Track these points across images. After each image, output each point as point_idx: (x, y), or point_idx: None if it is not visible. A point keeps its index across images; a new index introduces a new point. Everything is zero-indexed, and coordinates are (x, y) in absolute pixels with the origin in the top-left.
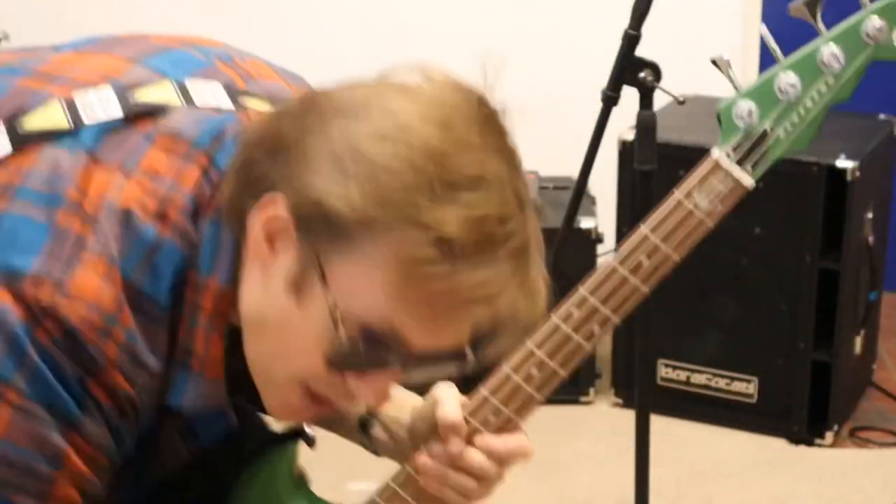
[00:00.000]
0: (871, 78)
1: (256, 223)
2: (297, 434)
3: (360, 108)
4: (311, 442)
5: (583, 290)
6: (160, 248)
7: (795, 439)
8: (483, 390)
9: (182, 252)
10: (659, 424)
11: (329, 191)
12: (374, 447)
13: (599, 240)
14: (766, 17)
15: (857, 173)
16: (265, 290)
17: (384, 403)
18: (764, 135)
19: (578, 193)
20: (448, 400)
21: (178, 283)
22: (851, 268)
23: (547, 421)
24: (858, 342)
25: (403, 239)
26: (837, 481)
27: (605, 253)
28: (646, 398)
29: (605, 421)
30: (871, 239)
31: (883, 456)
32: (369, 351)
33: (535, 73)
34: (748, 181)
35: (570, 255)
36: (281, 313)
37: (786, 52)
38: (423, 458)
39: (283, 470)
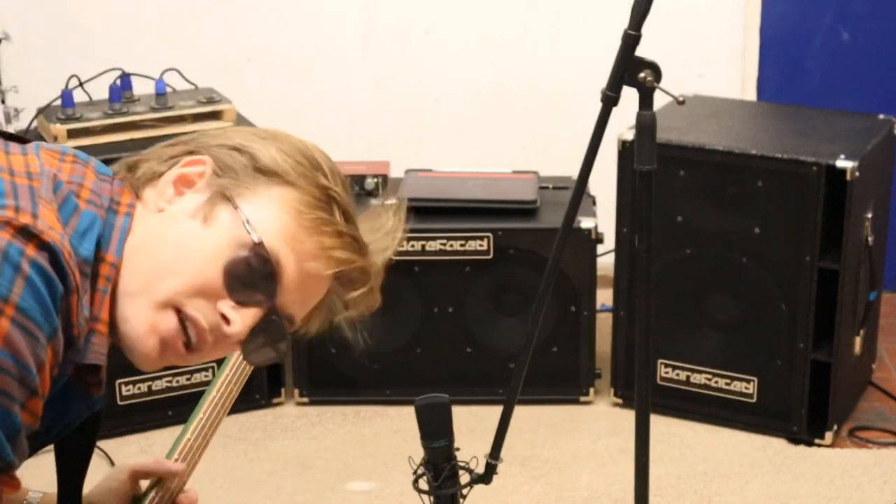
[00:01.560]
0: (872, 78)
1: (167, 177)
2: None
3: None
4: None
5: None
6: (81, 213)
7: (795, 439)
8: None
9: (101, 223)
10: (659, 424)
11: (253, 146)
12: None
13: (599, 240)
14: (766, 17)
15: (857, 173)
16: (164, 221)
17: (242, 334)
18: None
19: (578, 193)
20: (155, 459)
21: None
22: (851, 268)
23: (547, 421)
24: (858, 342)
25: (303, 192)
26: (837, 481)
27: (605, 253)
28: (646, 398)
29: (605, 421)
30: (870, 239)
31: (882, 456)
32: (259, 269)
33: (536, 72)
34: None
35: (570, 255)
36: (184, 233)
37: (786, 52)
38: None
39: None
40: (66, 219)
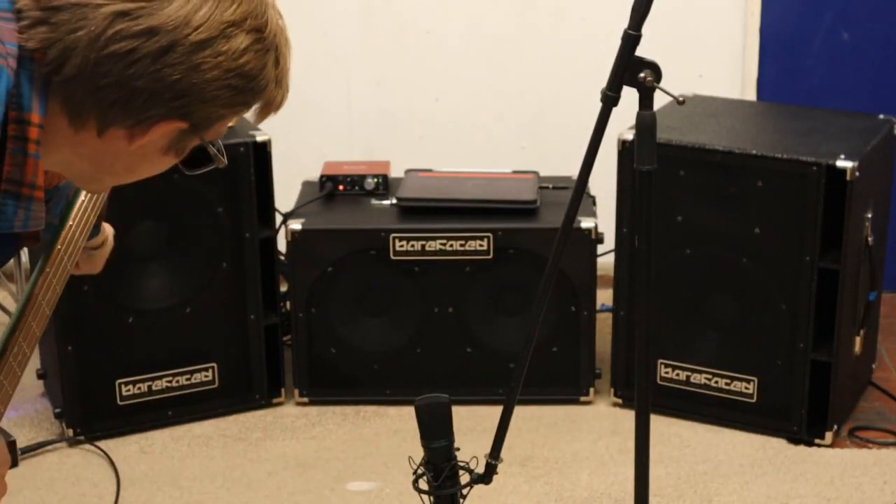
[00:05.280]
0: (872, 78)
1: (156, 139)
2: None
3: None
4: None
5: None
6: None
7: (795, 439)
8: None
9: (10, 78)
10: (659, 424)
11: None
12: None
13: (599, 240)
14: (766, 17)
15: (857, 173)
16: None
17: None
18: None
19: (578, 193)
20: None
21: (4, 114)
22: (851, 268)
23: (547, 421)
24: (858, 342)
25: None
26: (837, 481)
27: (605, 253)
28: (646, 398)
29: (605, 421)
30: (870, 239)
31: (882, 456)
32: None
33: (535, 72)
34: None
35: (570, 255)
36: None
37: (786, 52)
38: None
39: None
40: None
